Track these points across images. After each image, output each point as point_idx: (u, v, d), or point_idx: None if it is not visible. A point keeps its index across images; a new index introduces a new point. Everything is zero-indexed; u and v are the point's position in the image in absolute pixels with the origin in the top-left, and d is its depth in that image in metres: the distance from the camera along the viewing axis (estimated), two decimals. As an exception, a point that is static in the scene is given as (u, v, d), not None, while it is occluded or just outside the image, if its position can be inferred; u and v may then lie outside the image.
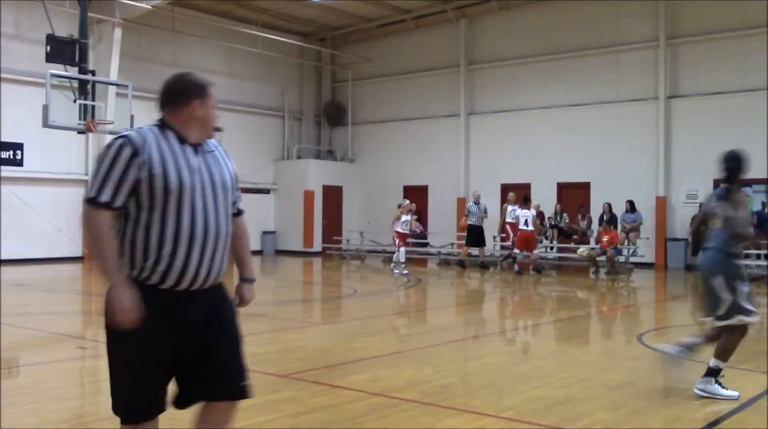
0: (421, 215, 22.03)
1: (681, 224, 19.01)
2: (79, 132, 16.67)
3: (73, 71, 15.06)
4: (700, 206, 18.27)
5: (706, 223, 5.45)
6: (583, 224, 19.45)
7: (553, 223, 19.83)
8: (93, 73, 15.85)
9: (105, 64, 18.85)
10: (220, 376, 2.92)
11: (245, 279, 3.21)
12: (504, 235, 18.60)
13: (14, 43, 18.13)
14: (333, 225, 24.42)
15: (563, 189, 20.95)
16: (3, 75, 17.77)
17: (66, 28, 16.31)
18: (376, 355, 7.07)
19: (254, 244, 22.00)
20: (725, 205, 5.24)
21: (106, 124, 16.05)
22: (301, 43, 24.61)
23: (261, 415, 4.49)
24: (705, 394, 5.20)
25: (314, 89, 26.33)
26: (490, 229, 19.12)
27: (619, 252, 17.55)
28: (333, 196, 24.65)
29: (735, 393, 5.19)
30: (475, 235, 18.12)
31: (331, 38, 25.60)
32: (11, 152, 18.30)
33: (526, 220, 16.71)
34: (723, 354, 5.25)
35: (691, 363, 5.54)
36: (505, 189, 20.76)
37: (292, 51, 24.72)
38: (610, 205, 18.31)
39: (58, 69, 14.88)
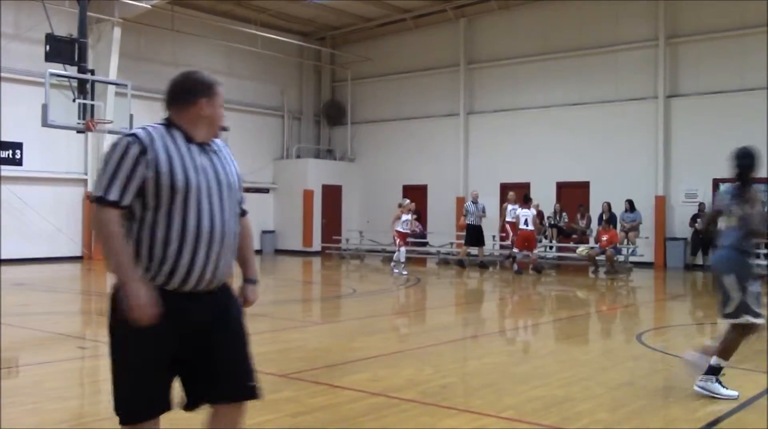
0: (421, 215, 22.02)
1: (680, 223, 19.03)
2: (79, 131, 16.66)
3: (72, 71, 15.05)
4: (699, 206, 18.37)
5: (716, 222, 5.42)
6: (582, 223, 19.46)
7: (552, 222, 19.84)
8: (92, 72, 15.83)
9: (104, 63, 18.86)
10: (226, 377, 2.90)
11: (249, 280, 3.20)
12: (504, 234, 18.61)
13: (14, 43, 18.13)
14: (332, 224, 24.42)
15: (562, 188, 20.96)
16: (3, 74, 17.77)
17: (65, 27, 16.30)
18: (376, 354, 7.07)
19: (254, 243, 21.96)
20: (741, 203, 5.17)
21: (105, 123, 16.06)
22: (301, 43, 24.60)
23: (261, 415, 4.48)
24: (705, 392, 5.19)
25: (314, 89, 26.33)
26: (490, 229, 19.13)
27: (619, 251, 17.56)
28: (332, 195, 24.65)
29: (735, 393, 5.19)
30: (473, 235, 18.12)
31: (331, 38, 25.60)
32: (11, 152, 18.30)
33: (526, 220, 16.71)
34: (725, 352, 5.24)
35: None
36: (505, 188, 20.76)
37: (292, 50, 24.71)
38: (609, 205, 18.32)
39: (57, 68, 14.87)
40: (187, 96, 2.90)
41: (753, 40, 17.86)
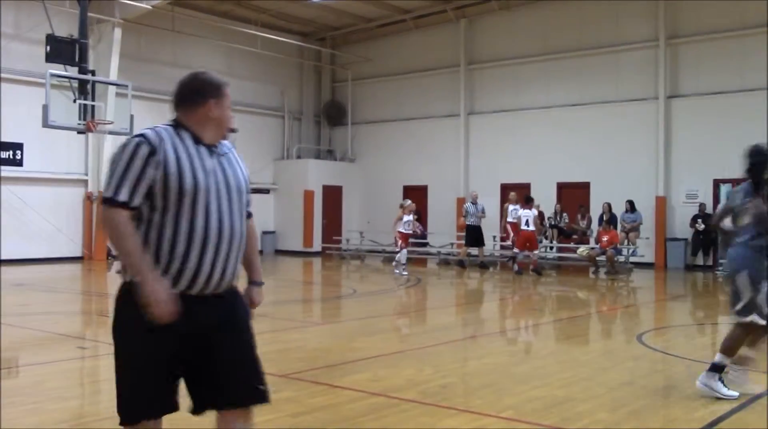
0: (421, 215, 22.01)
1: (681, 224, 19.02)
2: (79, 132, 16.66)
3: (72, 71, 15.06)
4: (700, 206, 18.38)
5: (724, 220, 5.38)
6: (582, 224, 19.46)
7: (552, 222, 19.83)
8: (93, 73, 15.84)
9: (105, 64, 18.86)
10: (231, 382, 2.87)
11: (254, 282, 3.19)
12: (504, 235, 18.60)
13: (14, 43, 18.13)
14: (333, 225, 24.42)
15: (563, 189, 20.95)
16: (3, 75, 17.76)
17: (66, 28, 16.31)
18: (376, 354, 7.07)
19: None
20: (756, 201, 5.11)
21: (105, 124, 16.05)
22: (301, 43, 24.61)
23: (261, 415, 4.46)
24: (706, 389, 5.17)
25: (314, 89, 26.33)
26: (490, 229, 19.11)
27: (619, 252, 17.55)
28: (333, 195, 24.65)
29: (735, 393, 5.18)
30: (473, 235, 18.12)
31: (331, 38, 25.60)
32: (11, 152, 18.29)
33: (527, 221, 16.70)
34: (729, 350, 5.22)
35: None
36: (505, 189, 20.75)
37: (292, 51, 24.72)
38: (609, 205, 18.32)
39: (57, 69, 14.87)
40: (195, 97, 2.88)
41: (753, 40, 17.85)
